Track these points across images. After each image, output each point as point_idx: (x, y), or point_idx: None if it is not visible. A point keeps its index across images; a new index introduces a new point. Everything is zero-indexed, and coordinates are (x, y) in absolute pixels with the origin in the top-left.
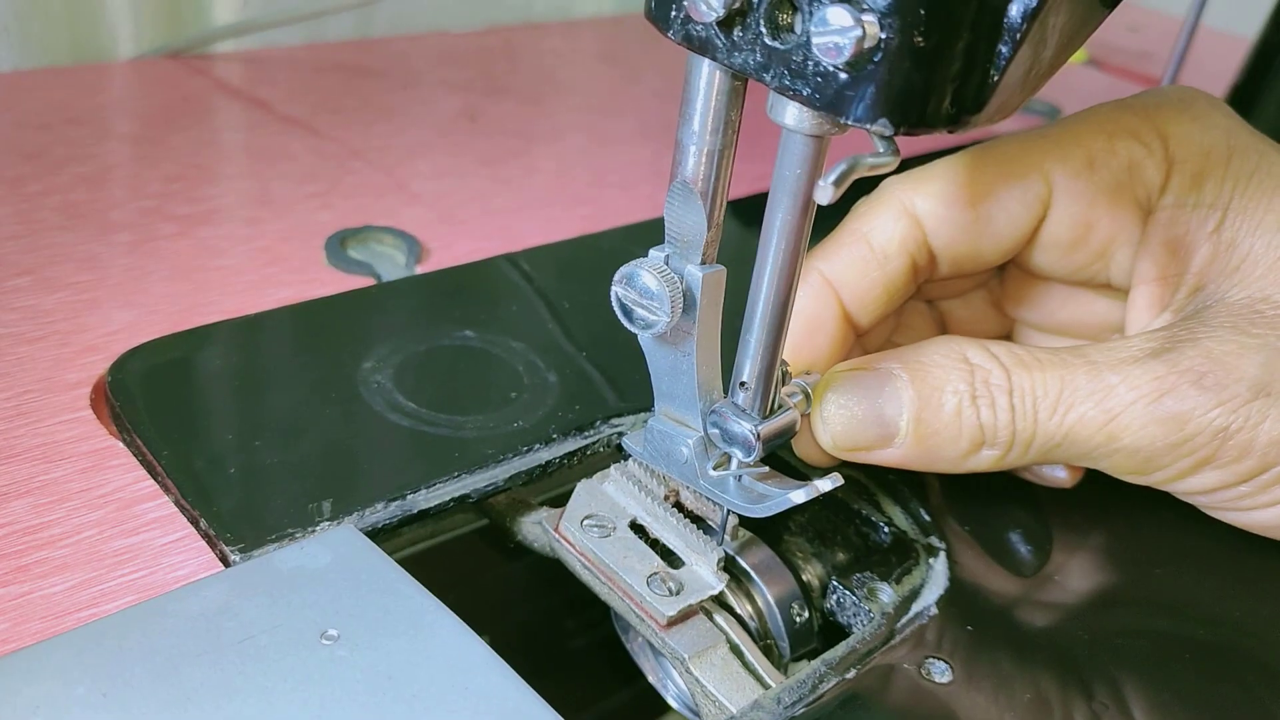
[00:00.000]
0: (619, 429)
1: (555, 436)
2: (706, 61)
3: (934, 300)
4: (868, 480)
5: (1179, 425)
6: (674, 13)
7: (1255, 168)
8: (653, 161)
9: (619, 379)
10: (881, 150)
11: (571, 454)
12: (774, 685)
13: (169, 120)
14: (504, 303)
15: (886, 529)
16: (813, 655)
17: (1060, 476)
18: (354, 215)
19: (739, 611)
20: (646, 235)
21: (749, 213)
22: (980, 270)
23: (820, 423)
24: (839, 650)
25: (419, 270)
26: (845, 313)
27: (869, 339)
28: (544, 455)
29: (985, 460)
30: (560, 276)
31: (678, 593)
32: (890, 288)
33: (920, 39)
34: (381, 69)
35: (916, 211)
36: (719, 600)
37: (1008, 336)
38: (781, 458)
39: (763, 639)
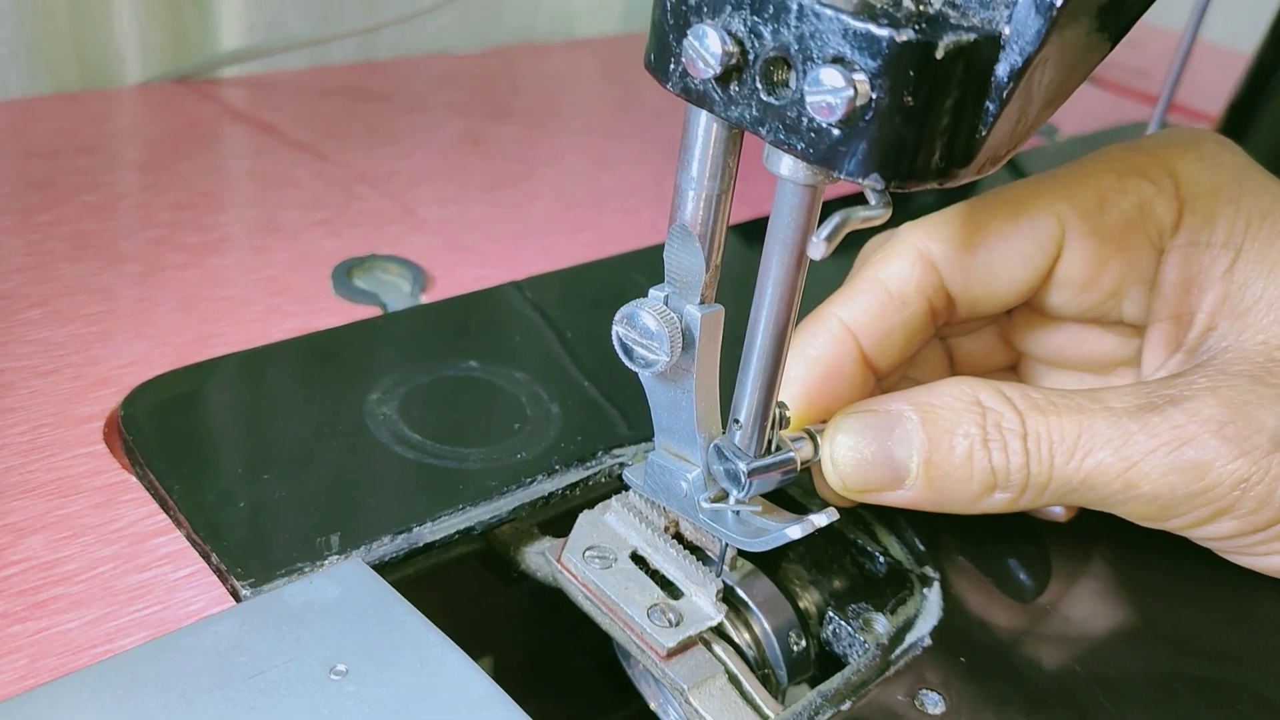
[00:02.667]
0: (620, 459)
1: (558, 467)
2: (705, 111)
3: (944, 336)
4: (864, 510)
5: (1199, 475)
6: (673, 66)
7: (1269, 208)
8: (654, 185)
9: (621, 408)
10: (874, 203)
11: (574, 485)
12: (772, 716)
13: (177, 147)
14: (507, 332)
15: (882, 559)
16: (812, 682)
17: (1056, 512)
18: (360, 243)
19: (737, 641)
20: (647, 262)
21: (750, 236)
22: (998, 311)
23: (830, 464)
24: (834, 682)
25: (424, 299)
26: (864, 357)
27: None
28: (547, 486)
29: (998, 502)
30: (563, 305)
31: (677, 624)
32: (909, 331)
33: (910, 98)
34: (386, 92)
35: (932, 256)
36: (718, 630)
37: (1013, 368)
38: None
39: (761, 668)
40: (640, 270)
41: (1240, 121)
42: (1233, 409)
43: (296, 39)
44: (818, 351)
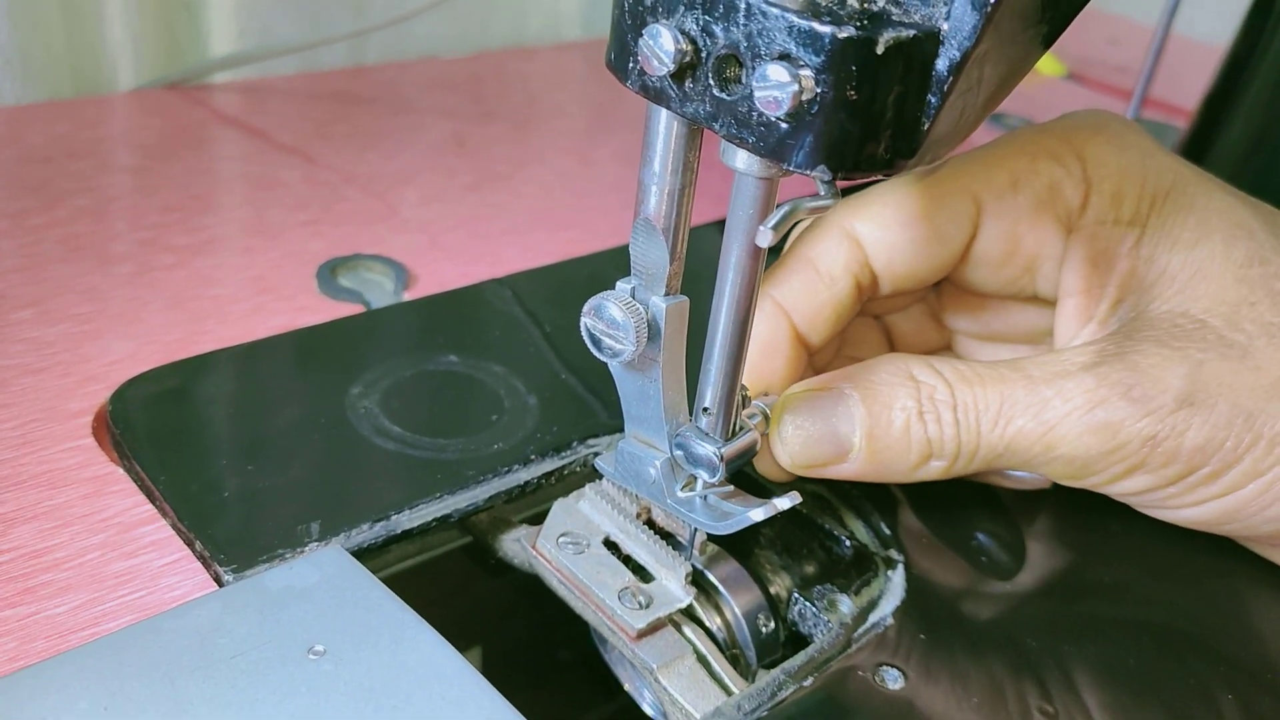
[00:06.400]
0: (595, 449)
1: (533, 457)
2: (664, 109)
3: (879, 315)
4: (831, 495)
5: (1111, 434)
6: (631, 65)
7: (1170, 186)
8: (635, 185)
9: (595, 400)
10: (822, 193)
11: (549, 474)
12: (736, 692)
13: (167, 151)
14: (487, 328)
15: (848, 542)
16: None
17: (1035, 478)
18: (344, 243)
19: (708, 623)
20: (627, 257)
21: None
22: (921, 287)
23: (779, 443)
24: (798, 659)
25: (406, 297)
26: (798, 334)
27: (818, 355)
28: (523, 476)
29: (934, 470)
30: (541, 301)
31: (647, 606)
32: (838, 308)
33: (853, 92)
34: (373, 96)
35: (858, 235)
36: (688, 613)
37: (948, 345)
38: (746, 474)
39: (730, 649)
40: (620, 266)
41: (1214, 115)
42: (1139, 371)
43: (286, 45)
44: (755, 330)
